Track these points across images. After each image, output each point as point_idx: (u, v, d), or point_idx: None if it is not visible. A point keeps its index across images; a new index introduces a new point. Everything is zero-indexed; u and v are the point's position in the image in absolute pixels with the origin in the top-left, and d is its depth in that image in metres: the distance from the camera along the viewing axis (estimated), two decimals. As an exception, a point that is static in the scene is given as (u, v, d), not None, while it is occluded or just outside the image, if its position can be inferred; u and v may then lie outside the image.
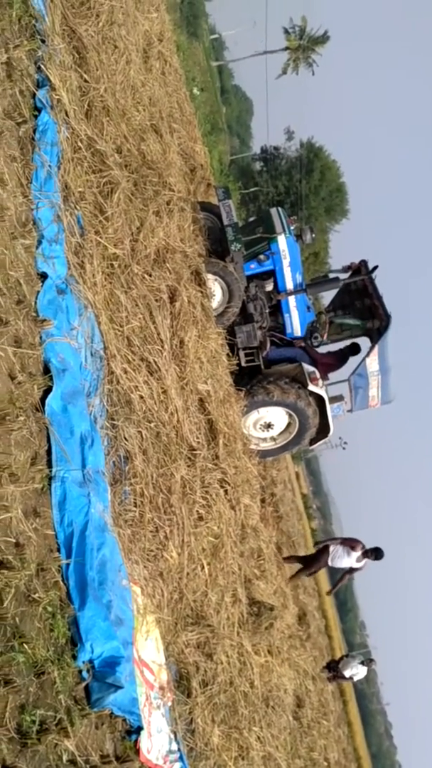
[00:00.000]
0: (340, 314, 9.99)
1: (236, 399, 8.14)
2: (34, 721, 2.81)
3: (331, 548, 9.91)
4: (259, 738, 5.69)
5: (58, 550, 3.53)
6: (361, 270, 9.47)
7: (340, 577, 10.81)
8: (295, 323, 9.57)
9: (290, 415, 9.21)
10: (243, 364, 9.01)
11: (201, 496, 5.73)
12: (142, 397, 5.11)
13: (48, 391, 3.88)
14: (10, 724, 2.68)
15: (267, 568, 8.07)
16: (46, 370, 3.95)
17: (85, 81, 5.76)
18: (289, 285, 9.34)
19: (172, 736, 4.27)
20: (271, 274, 9.35)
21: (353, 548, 9.63)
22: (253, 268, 9.22)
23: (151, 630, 4.34)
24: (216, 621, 5.46)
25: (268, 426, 9.39)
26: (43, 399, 3.82)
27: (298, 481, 39.08)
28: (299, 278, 9.41)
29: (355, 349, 9.70)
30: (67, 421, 3.97)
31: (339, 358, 9.76)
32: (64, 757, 2.94)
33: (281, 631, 7.65)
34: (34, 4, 5.07)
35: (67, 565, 3.51)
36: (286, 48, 56.20)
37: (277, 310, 9.57)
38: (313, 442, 9.79)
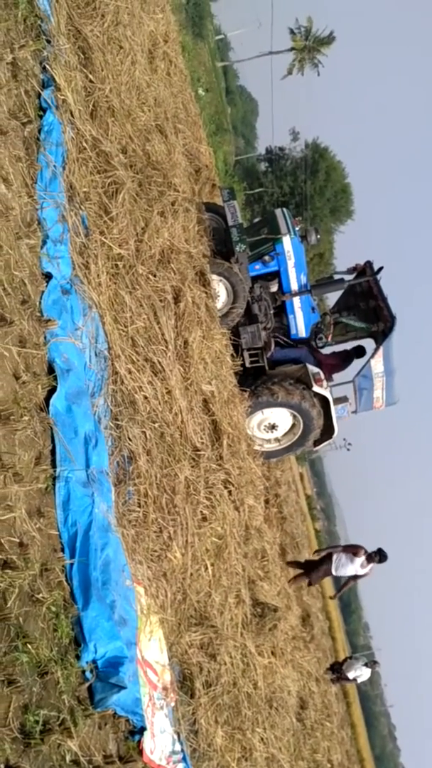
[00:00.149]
0: (345, 315, 9.98)
1: (240, 400, 8.13)
2: (37, 721, 2.81)
3: (334, 557, 9.82)
4: (262, 739, 5.68)
5: (62, 550, 3.53)
6: (366, 271, 9.46)
7: (344, 583, 10.71)
8: (300, 324, 9.56)
9: (294, 416, 9.20)
10: (247, 364, 9.00)
11: (205, 496, 5.72)
12: (146, 397, 5.11)
13: (52, 391, 3.88)
14: (13, 724, 2.68)
15: (271, 569, 8.06)
16: (51, 370, 3.95)
17: (91, 81, 5.77)
18: (294, 286, 9.33)
19: (176, 736, 4.26)
20: (275, 275, 9.34)
21: (356, 554, 9.57)
22: (258, 268, 9.21)
23: (154, 630, 4.34)
24: (219, 622, 5.45)
25: (273, 427, 9.37)
26: (47, 399, 3.82)
27: (302, 482, 39.05)
28: (304, 279, 9.40)
29: (359, 352, 9.69)
30: (72, 421, 3.97)
31: (343, 359, 9.74)
32: (68, 758, 2.94)
33: (285, 632, 7.64)
34: (40, 4, 5.08)
35: (71, 565, 3.51)
36: (292, 48, 56.14)
37: (282, 311, 9.56)
38: (317, 443, 9.76)
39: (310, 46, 55.48)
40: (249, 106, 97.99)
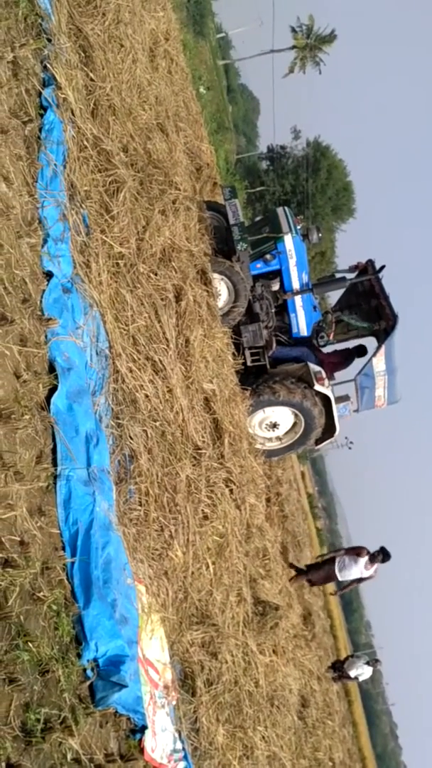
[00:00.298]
0: (346, 313, 9.97)
1: (242, 398, 8.13)
2: (38, 720, 2.81)
3: (337, 560, 9.73)
4: (263, 737, 5.68)
5: (63, 548, 3.53)
6: (367, 270, 9.44)
7: (348, 584, 10.57)
8: (301, 323, 9.54)
9: (296, 415, 9.19)
10: (249, 363, 8.99)
11: (206, 495, 5.72)
12: (147, 396, 5.11)
13: (53, 389, 3.88)
14: (14, 722, 2.69)
15: (272, 568, 8.07)
16: (52, 369, 3.95)
17: (91, 80, 5.76)
18: (296, 284, 9.31)
19: (177, 735, 4.27)
20: (277, 274, 9.32)
21: (359, 554, 9.52)
22: (260, 267, 9.20)
23: (155, 629, 4.34)
24: (221, 620, 5.45)
25: (274, 425, 9.37)
26: (48, 398, 3.82)
27: (304, 480, 39.04)
28: (305, 278, 9.38)
29: (361, 351, 9.68)
30: (73, 419, 3.97)
31: (345, 358, 9.73)
32: (69, 756, 2.94)
33: (286, 630, 7.64)
34: (40, 3, 5.07)
35: (72, 563, 3.52)
36: (293, 47, 56.02)
37: (284, 310, 9.55)
38: (318, 441, 9.75)
39: (311, 44, 55.37)
40: (250, 104, 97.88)
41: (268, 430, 9.45)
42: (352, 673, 12.27)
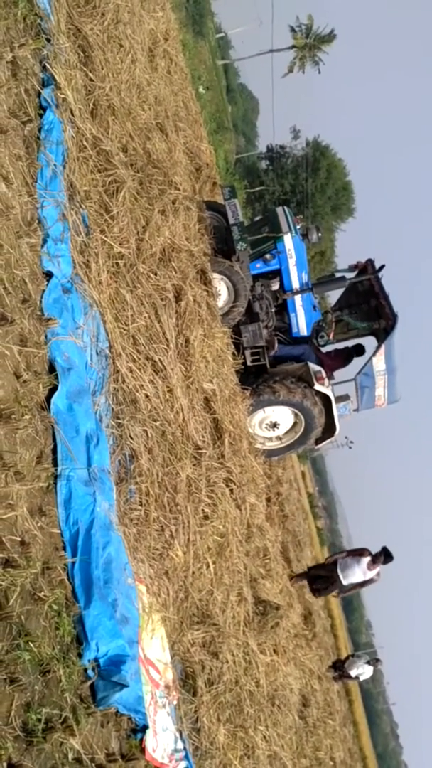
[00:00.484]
0: (346, 313, 9.97)
1: (242, 398, 8.13)
2: (39, 720, 2.81)
3: (340, 562, 9.62)
4: (264, 737, 5.68)
5: (64, 548, 3.53)
6: (367, 269, 9.44)
7: (351, 588, 10.47)
8: (301, 322, 9.54)
9: (296, 415, 9.19)
10: (249, 363, 8.99)
11: (206, 494, 5.73)
12: (147, 395, 5.11)
13: (53, 389, 3.88)
14: (15, 722, 2.69)
15: (272, 567, 8.07)
16: (52, 369, 3.95)
17: (91, 80, 5.76)
18: (295, 284, 9.31)
19: (178, 734, 4.27)
20: (277, 274, 9.32)
21: (361, 555, 9.47)
22: (259, 267, 9.19)
23: (156, 628, 4.34)
24: (221, 620, 5.46)
25: (274, 425, 9.37)
26: (48, 398, 3.82)
27: (304, 480, 39.03)
28: (305, 277, 9.38)
29: (359, 350, 9.68)
30: (73, 419, 3.97)
31: (345, 357, 9.74)
32: (70, 756, 2.94)
33: (287, 630, 7.64)
34: (40, 3, 5.07)
35: (73, 563, 3.52)
36: (293, 46, 56.03)
37: (283, 310, 9.54)
38: (319, 441, 9.74)
39: (310, 44, 55.38)
40: (250, 104, 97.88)
41: (268, 430, 9.45)
42: (353, 673, 12.25)
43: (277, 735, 6.15)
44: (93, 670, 3.36)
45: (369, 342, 9.76)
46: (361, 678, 12.73)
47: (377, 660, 12.83)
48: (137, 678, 3.74)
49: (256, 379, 8.99)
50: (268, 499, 9.96)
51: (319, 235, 10.10)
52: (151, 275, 5.90)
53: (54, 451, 3.73)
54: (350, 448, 48.79)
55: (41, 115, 4.74)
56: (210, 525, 5.65)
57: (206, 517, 5.65)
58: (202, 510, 5.60)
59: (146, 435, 4.89)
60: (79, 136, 5.23)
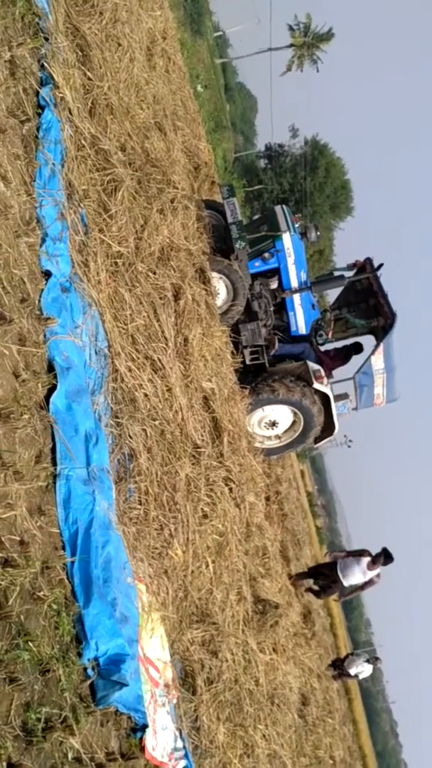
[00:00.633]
0: (345, 311, 9.97)
1: (241, 397, 8.13)
2: (39, 719, 2.81)
3: (339, 562, 9.60)
4: (264, 736, 5.69)
5: (63, 547, 3.53)
6: (366, 268, 9.45)
7: (352, 591, 10.29)
8: (300, 321, 9.54)
9: (295, 413, 9.19)
10: (247, 362, 9.00)
11: (206, 493, 5.73)
12: (146, 395, 5.11)
13: (52, 389, 3.88)
14: (15, 721, 2.69)
15: (272, 566, 8.07)
16: (51, 368, 3.95)
17: (89, 79, 5.75)
18: (294, 283, 9.31)
19: (177, 733, 4.27)
20: (275, 272, 9.32)
21: (361, 555, 9.45)
22: (258, 266, 9.20)
23: (156, 627, 4.34)
24: (221, 619, 5.46)
25: (273, 424, 9.37)
26: (47, 397, 3.82)
27: (303, 479, 39.05)
28: (304, 276, 9.39)
29: (357, 348, 9.68)
30: (72, 419, 3.97)
31: (344, 356, 9.74)
32: (70, 755, 2.94)
33: (286, 629, 7.65)
34: (38, 2, 5.06)
35: (72, 562, 3.52)
36: (291, 45, 55.99)
37: (282, 308, 9.55)
38: (318, 440, 9.75)
39: (309, 42, 55.33)
40: (248, 102, 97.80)
41: (267, 429, 9.45)
42: (352, 671, 12.26)
43: (277, 733, 6.16)
44: (92, 669, 3.36)
45: (368, 341, 9.77)
46: (361, 676, 12.74)
47: (376, 658, 12.83)
48: (137, 677, 3.75)
49: (255, 377, 8.99)
50: (267, 498, 9.98)
51: (318, 233, 10.10)
52: (150, 274, 5.90)
53: (53, 450, 3.73)
54: (349, 446, 48.66)
55: (39, 114, 4.73)
56: (209, 524, 5.65)
57: (205, 516, 5.66)
58: (202, 509, 5.61)
59: (145, 434, 4.89)
60: (77, 135, 5.22)
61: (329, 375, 9.34)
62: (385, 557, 9.23)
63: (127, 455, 4.62)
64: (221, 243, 8.69)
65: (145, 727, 3.73)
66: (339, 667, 12.31)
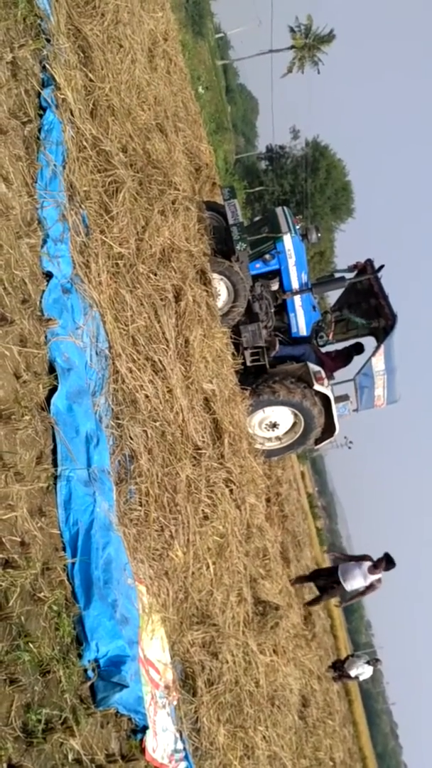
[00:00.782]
0: (346, 312, 9.97)
1: (241, 398, 8.13)
2: (39, 720, 2.81)
3: (341, 567, 9.58)
4: (264, 737, 5.68)
5: (64, 549, 3.53)
6: (366, 269, 9.44)
7: (353, 596, 10.27)
8: (301, 323, 9.55)
9: (296, 415, 9.20)
10: (248, 363, 9.00)
11: (206, 495, 5.73)
12: (147, 396, 5.11)
13: (53, 390, 3.88)
14: (15, 723, 2.69)
15: (272, 568, 8.07)
16: (52, 370, 3.95)
17: (90, 80, 5.76)
18: (295, 284, 9.32)
19: (178, 735, 4.27)
20: (276, 274, 9.33)
21: (363, 559, 9.43)
22: (259, 267, 9.20)
23: (156, 629, 4.34)
24: (221, 620, 5.46)
25: (274, 425, 9.37)
26: (48, 398, 3.82)
27: (304, 480, 39.01)
28: (305, 277, 9.39)
29: (359, 348, 9.68)
30: (73, 420, 3.97)
31: (344, 357, 9.74)
32: (70, 756, 2.94)
33: (286, 630, 7.64)
34: (39, 3, 5.07)
35: (73, 564, 3.52)
36: (292, 47, 56.05)
37: (283, 310, 9.55)
38: (318, 441, 9.75)
39: (310, 44, 55.39)
40: (249, 104, 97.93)
41: (268, 430, 9.45)
42: (353, 673, 12.25)
43: (277, 735, 6.15)
44: (93, 670, 3.36)
45: (368, 342, 9.76)
46: (361, 678, 12.73)
47: (377, 660, 12.82)
48: (137, 678, 3.74)
49: (256, 379, 8.99)
50: (268, 500, 9.97)
51: (319, 235, 10.10)
52: (151, 275, 5.90)
53: (54, 451, 3.73)
54: (350, 448, 48.88)
55: (41, 116, 4.74)
56: (210, 525, 5.65)
57: (206, 517, 5.65)
58: (202, 510, 5.60)
59: (146, 435, 4.90)
60: (78, 136, 5.23)
61: (330, 376, 9.34)
62: (387, 562, 9.17)
63: (127, 456, 4.62)
64: (222, 244, 8.70)
65: (145, 728, 3.73)
66: (339, 668, 12.29)
